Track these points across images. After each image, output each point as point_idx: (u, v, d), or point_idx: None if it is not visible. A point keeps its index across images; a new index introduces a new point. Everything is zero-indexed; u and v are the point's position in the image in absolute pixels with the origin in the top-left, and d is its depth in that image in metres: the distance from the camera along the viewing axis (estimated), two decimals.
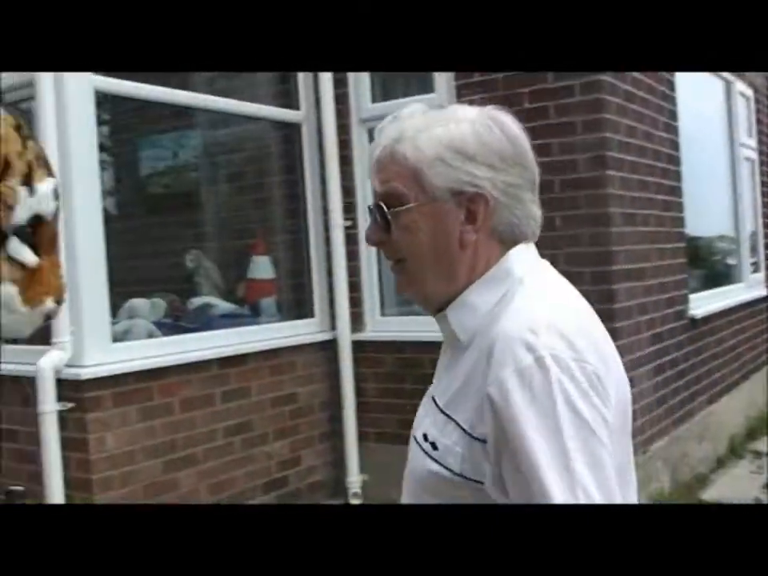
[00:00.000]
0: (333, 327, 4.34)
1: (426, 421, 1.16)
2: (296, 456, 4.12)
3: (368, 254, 4.34)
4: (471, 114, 1.16)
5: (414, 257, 1.15)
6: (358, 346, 4.32)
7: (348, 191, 4.32)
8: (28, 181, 1.10)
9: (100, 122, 3.41)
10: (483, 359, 1.06)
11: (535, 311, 1.07)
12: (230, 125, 4.63)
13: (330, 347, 4.33)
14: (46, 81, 3.14)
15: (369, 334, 4.36)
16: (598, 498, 0.96)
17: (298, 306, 4.50)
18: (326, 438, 4.29)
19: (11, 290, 1.10)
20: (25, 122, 1.16)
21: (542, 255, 1.20)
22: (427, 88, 4.15)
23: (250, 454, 3.87)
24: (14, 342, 1.42)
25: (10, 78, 3.36)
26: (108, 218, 3.51)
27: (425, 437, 1.13)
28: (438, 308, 1.18)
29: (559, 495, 0.95)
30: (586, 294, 1.15)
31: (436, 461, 1.11)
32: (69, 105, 3.19)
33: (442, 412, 1.12)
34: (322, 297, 4.39)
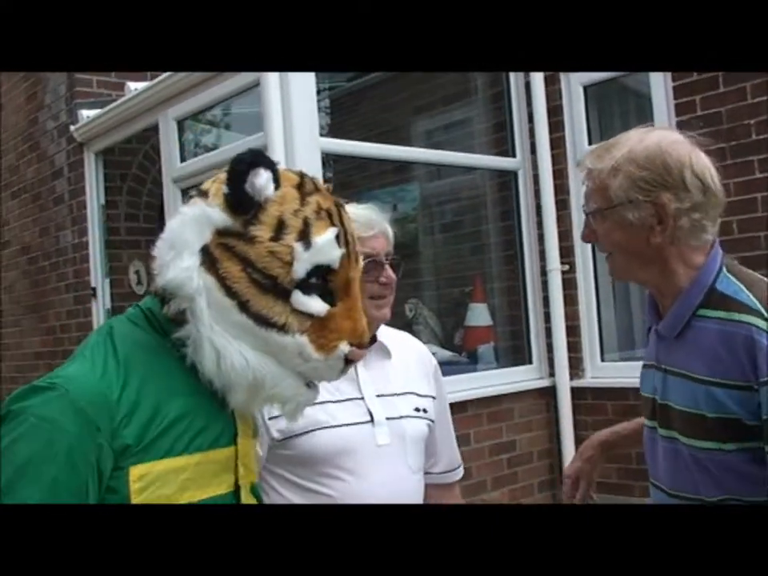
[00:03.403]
0: (551, 374, 4.28)
1: (399, 404, 1.81)
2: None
3: (587, 299, 4.24)
4: None
5: None
6: (577, 392, 4.21)
7: (564, 235, 4.27)
8: (304, 236, 1.16)
9: (325, 181, 3.62)
10: (414, 359, 1.94)
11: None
12: (446, 176, 4.75)
13: (548, 394, 4.26)
14: (277, 145, 3.40)
15: (588, 380, 4.24)
16: None
17: (515, 353, 4.48)
18: (545, 488, 4.20)
19: (302, 341, 1.16)
20: (309, 177, 1.25)
21: None
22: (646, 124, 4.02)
23: (469, 501, 3.87)
24: None
25: (245, 144, 3.68)
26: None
27: (418, 410, 1.84)
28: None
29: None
30: None
31: (428, 419, 1.87)
32: (298, 167, 3.39)
33: (412, 394, 1.86)
34: (539, 343, 4.35)
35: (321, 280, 1.18)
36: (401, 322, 4.67)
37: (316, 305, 1.17)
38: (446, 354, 4.44)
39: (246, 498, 1.24)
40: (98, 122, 4.72)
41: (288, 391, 1.19)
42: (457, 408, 3.87)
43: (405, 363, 1.90)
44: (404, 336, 2.02)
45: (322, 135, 3.60)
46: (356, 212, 1.79)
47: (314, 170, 3.47)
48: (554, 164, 4.28)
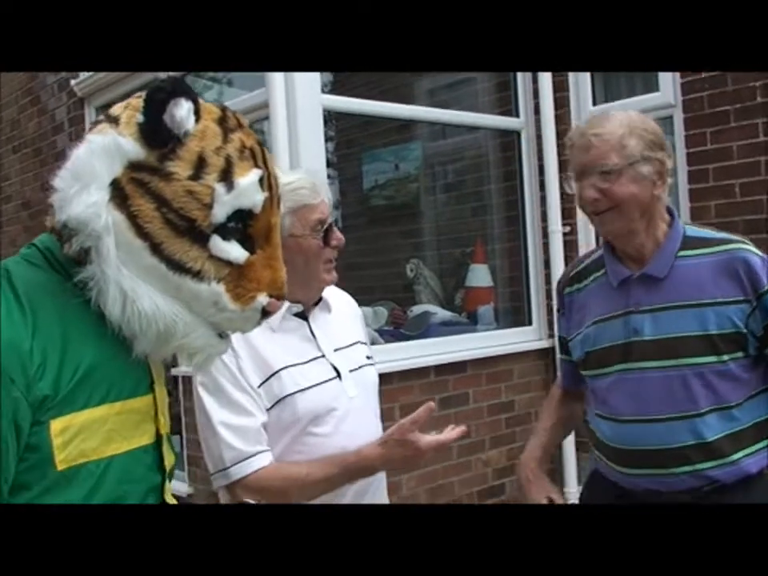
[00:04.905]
0: (550, 335, 4.29)
1: (354, 355, 1.88)
2: (512, 464, 4.10)
3: None
4: None
5: None
6: None
7: (566, 197, 4.25)
8: (226, 176, 1.06)
9: (327, 139, 3.60)
10: (347, 310, 1.99)
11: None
12: (450, 135, 4.71)
13: (547, 355, 4.28)
14: (278, 102, 3.37)
15: None
16: None
17: (515, 314, 4.49)
18: None
19: (218, 289, 1.08)
20: (231, 111, 1.14)
21: None
22: (652, 87, 3.98)
23: (467, 460, 3.91)
24: None
25: (246, 101, 3.65)
26: None
27: (368, 357, 1.94)
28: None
29: None
30: None
31: (374, 365, 1.97)
32: (299, 124, 3.39)
33: (359, 343, 1.93)
34: (539, 304, 4.35)
35: (240, 225, 1.08)
36: (401, 282, 4.68)
37: (235, 251, 1.08)
38: (447, 314, 4.45)
39: (167, 449, 1.18)
40: (98, 77, 4.67)
41: (199, 341, 1.10)
42: (456, 368, 3.89)
43: (343, 315, 1.97)
44: (332, 289, 2.02)
45: (324, 92, 3.57)
46: (301, 178, 1.82)
47: (316, 126, 3.46)
48: (557, 124, 4.23)
